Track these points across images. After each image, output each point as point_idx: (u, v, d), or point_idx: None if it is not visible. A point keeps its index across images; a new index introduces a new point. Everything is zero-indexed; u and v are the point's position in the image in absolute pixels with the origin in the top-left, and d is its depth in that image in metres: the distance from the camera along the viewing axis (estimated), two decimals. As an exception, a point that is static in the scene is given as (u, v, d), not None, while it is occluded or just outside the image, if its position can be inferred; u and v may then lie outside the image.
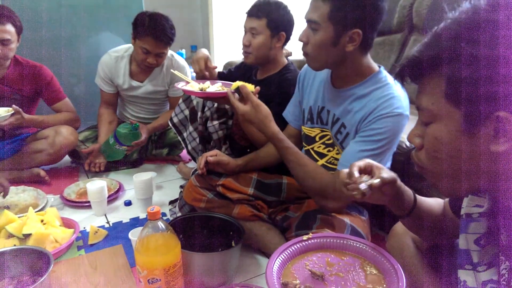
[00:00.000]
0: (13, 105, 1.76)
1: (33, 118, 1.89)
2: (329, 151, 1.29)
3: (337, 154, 1.27)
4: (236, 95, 1.25)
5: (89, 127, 2.24)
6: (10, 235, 1.34)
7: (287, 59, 1.70)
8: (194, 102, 1.66)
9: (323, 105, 1.29)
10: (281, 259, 0.86)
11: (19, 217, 1.43)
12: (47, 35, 2.32)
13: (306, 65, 1.34)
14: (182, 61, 2.16)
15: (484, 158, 0.55)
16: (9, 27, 1.73)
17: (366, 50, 1.15)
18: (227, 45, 2.96)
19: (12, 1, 2.19)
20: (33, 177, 1.93)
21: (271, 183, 1.39)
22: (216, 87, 1.39)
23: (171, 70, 1.65)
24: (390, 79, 1.14)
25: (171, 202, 1.71)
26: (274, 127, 1.18)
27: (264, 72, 1.66)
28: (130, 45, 2.06)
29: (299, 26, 1.36)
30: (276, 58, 1.62)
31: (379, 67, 1.19)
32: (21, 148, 1.97)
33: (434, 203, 0.87)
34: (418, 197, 0.83)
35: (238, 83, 1.20)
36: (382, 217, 1.34)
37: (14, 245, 1.27)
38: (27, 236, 1.32)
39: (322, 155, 1.30)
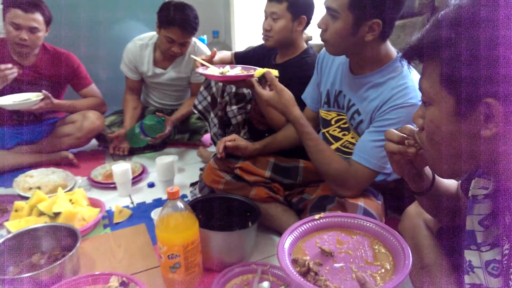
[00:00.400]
0: (43, 90, 1.84)
1: (61, 103, 1.98)
2: (344, 135, 1.30)
3: (352, 138, 1.28)
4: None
5: (114, 112, 2.32)
6: (41, 213, 1.43)
7: (306, 43, 1.70)
8: (214, 89, 1.69)
9: (340, 89, 1.29)
10: (293, 237, 0.89)
11: (49, 196, 1.51)
12: (70, 19, 2.38)
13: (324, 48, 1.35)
14: (204, 47, 2.19)
15: (477, 141, 0.57)
16: (38, 16, 1.80)
17: (385, 38, 1.15)
18: (248, 30, 2.97)
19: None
20: (62, 159, 2.02)
21: (287, 166, 1.42)
22: (236, 71, 1.41)
23: (191, 56, 1.68)
24: (406, 66, 1.14)
25: (192, 185, 1.77)
26: (297, 111, 1.20)
27: (283, 56, 1.67)
28: (154, 33, 2.10)
29: (320, 9, 1.36)
30: (296, 41, 1.62)
31: (398, 52, 1.19)
32: (51, 131, 2.06)
33: (451, 184, 0.88)
34: (436, 176, 0.84)
35: (263, 70, 1.22)
36: (399, 201, 1.35)
37: (45, 222, 1.36)
38: (57, 214, 1.41)
39: (337, 139, 1.32)
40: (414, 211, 1.02)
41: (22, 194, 1.67)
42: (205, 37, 3.16)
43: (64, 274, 1.16)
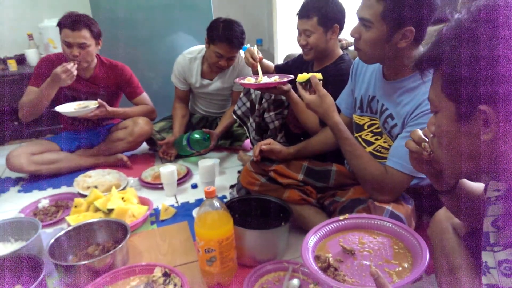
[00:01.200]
0: (98, 99, 2.04)
1: (115, 110, 2.17)
2: (376, 139, 1.32)
3: (384, 142, 1.30)
4: (289, 85, 1.33)
5: (164, 118, 2.49)
6: (97, 209, 1.60)
7: (342, 50, 1.74)
8: (253, 96, 1.78)
9: (374, 95, 1.32)
10: (318, 235, 0.94)
11: (104, 195, 1.68)
12: (128, 35, 2.59)
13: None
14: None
15: (478, 143, 0.60)
16: (85, 33, 1.96)
17: (418, 44, 1.16)
18: (290, 38, 3.04)
19: (96, 5, 2.50)
20: (117, 161, 2.22)
21: (320, 170, 1.46)
22: (272, 79, 1.52)
23: (235, 81, 1.75)
24: None
25: (231, 187, 1.86)
26: (336, 117, 1.24)
27: (320, 63, 1.72)
28: (202, 46, 2.25)
29: (352, 14, 1.39)
30: (332, 49, 1.67)
31: None
32: (106, 136, 2.27)
33: (477, 186, 0.89)
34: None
35: (308, 75, 1.27)
36: (435, 206, 1.34)
37: (100, 217, 1.51)
38: (111, 210, 1.56)
39: (369, 143, 1.34)
40: (443, 215, 1.03)
41: (81, 192, 1.86)
42: (248, 45, 3.28)
43: (115, 263, 1.29)
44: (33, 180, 2.11)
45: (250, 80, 1.57)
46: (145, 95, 2.32)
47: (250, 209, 1.45)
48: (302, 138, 1.63)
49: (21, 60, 2.85)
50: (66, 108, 2.00)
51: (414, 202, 1.23)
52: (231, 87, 2.35)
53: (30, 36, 2.88)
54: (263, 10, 3.75)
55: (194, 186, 1.98)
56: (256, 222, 1.40)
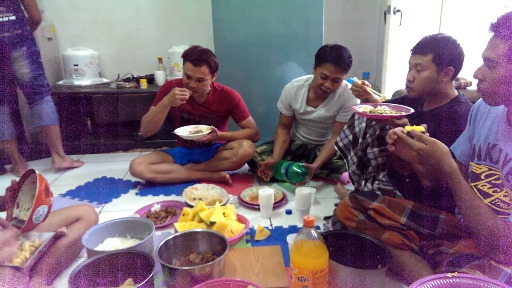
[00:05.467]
0: (211, 126, 2.25)
1: (223, 134, 2.36)
2: (495, 191, 1.22)
3: (504, 196, 1.19)
4: (405, 119, 1.30)
5: (266, 142, 2.61)
6: (201, 220, 1.73)
7: (458, 90, 1.65)
8: (357, 129, 1.78)
9: (495, 143, 1.22)
10: (421, 288, 0.89)
11: (208, 207, 1.82)
12: (242, 61, 2.79)
13: (480, 100, 1.31)
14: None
15: None
16: (204, 69, 2.19)
17: None
18: (399, 74, 2.96)
19: (218, 37, 2.76)
20: (220, 178, 2.40)
21: (426, 216, 1.38)
22: (388, 111, 1.50)
23: (350, 107, 1.76)
24: None
25: (326, 218, 1.86)
26: (453, 163, 1.17)
27: (430, 103, 1.65)
28: (310, 75, 2.36)
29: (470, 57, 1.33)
30: (444, 90, 1.59)
31: None
32: (214, 155, 2.48)
33: None
34: None
35: (408, 128, 1.24)
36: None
37: (203, 229, 1.64)
38: (213, 223, 1.69)
39: (486, 195, 1.24)
40: None
41: (188, 202, 2.05)
42: (355, 78, 3.28)
43: (212, 274, 1.38)
44: (148, 185, 2.40)
45: (366, 108, 1.56)
46: (250, 119, 2.47)
47: (344, 244, 1.43)
48: (407, 180, 1.57)
49: (151, 79, 3.28)
50: (182, 132, 2.26)
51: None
52: (334, 117, 2.38)
53: (160, 60, 3.30)
54: (373, 43, 3.73)
55: (289, 212, 2.02)
56: (350, 259, 1.37)
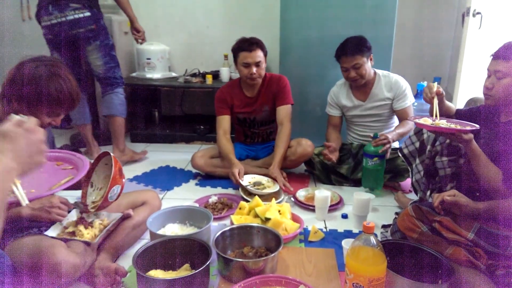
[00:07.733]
0: (270, 173, 2.22)
1: (278, 162, 2.27)
2: None
3: None
4: (470, 135, 1.22)
5: (322, 145, 2.57)
6: (256, 215, 1.76)
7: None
8: (425, 136, 1.70)
9: None
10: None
11: (264, 204, 1.85)
12: (305, 61, 2.78)
13: None
14: (403, 81, 2.33)
15: None
16: (259, 52, 2.27)
17: None
18: (474, 80, 2.76)
19: (283, 34, 2.77)
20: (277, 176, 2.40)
21: (497, 234, 1.29)
22: (452, 125, 1.42)
23: (409, 119, 1.69)
24: None
25: (384, 226, 1.79)
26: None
27: (508, 114, 1.52)
28: None
29: None
30: None
31: None
32: (270, 153, 2.50)
33: None
34: None
35: None
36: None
37: (259, 224, 1.67)
38: (268, 219, 1.71)
39: None
40: None
41: (245, 197, 2.09)
42: (425, 83, 3.12)
43: (265, 269, 1.41)
44: (207, 177, 2.49)
45: (426, 120, 1.50)
46: (289, 107, 2.39)
47: (402, 255, 1.37)
48: (477, 194, 1.46)
49: (216, 75, 3.38)
50: (245, 182, 2.16)
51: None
52: (387, 105, 2.35)
53: (226, 57, 3.39)
54: (448, 47, 3.52)
55: (345, 216, 1.98)
56: (408, 272, 1.32)
